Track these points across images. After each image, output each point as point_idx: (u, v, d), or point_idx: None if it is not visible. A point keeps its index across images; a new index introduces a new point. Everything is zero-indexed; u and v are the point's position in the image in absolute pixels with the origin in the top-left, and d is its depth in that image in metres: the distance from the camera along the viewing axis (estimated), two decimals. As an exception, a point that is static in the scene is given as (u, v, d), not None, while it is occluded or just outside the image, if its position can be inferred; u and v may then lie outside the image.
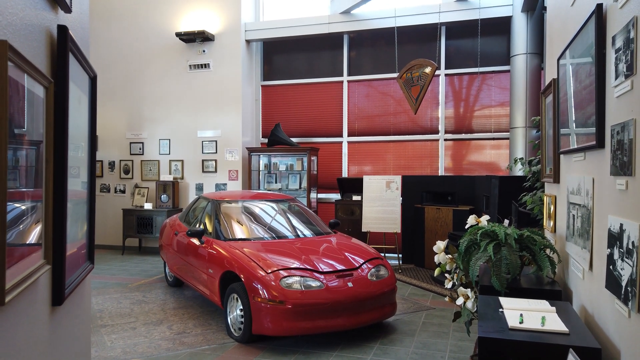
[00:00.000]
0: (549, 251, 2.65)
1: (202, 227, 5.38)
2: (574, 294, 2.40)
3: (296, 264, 4.37)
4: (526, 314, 1.91)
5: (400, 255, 7.81)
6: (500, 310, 2.04)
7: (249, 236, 5.09)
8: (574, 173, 2.35)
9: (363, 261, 4.64)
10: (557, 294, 2.40)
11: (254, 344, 4.26)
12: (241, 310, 4.30)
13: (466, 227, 3.17)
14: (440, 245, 3.21)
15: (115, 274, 7.25)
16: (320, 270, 4.33)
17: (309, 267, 4.34)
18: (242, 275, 4.29)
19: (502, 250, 2.53)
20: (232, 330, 4.43)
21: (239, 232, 5.16)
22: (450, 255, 3.27)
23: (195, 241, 5.21)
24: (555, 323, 1.83)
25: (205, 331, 4.61)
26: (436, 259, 3.20)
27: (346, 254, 4.75)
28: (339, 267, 4.46)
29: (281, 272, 4.22)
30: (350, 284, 4.30)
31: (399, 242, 7.85)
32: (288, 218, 5.58)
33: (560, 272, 2.74)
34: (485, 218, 3.15)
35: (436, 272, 3.21)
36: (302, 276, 4.22)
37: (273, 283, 4.11)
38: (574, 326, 1.82)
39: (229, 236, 5.02)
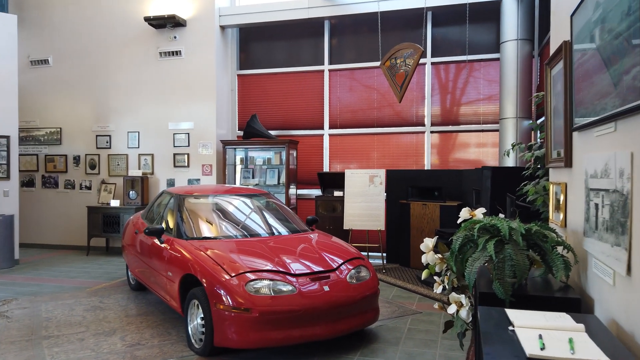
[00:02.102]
0: (561, 249, 2.18)
1: (163, 224, 4.83)
2: (598, 303, 1.92)
3: (267, 266, 3.85)
4: (546, 335, 1.43)
5: (384, 254, 7.34)
6: (511, 329, 1.55)
7: (215, 234, 4.55)
8: (597, 151, 1.87)
9: (342, 261, 4.13)
10: (574, 303, 1.92)
11: (217, 357, 3.73)
12: (202, 318, 3.76)
13: (458, 221, 2.69)
14: (428, 243, 2.72)
15: (75, 276, 6.64)
16: (293, 272, 3.81)
17: (280, 269, 3.82)
18: (203, 280, 3.75)
19: (506, 249, 2.05)
20: (193, 341, 3.89)
21: (205, 230, 4.62)
22: (440, 255, 2.79)
23: (156, 241, 4.65)
24: (588, 348, 1.34)
25: (162, 342, 4.06)
26: (424, 259, 2.71)
27: (323, 253, 4.24)
28: (315, 268, 3.95)
29: (248, 275, 3.69)
30: (326, 288, 3.79)
31: (383, 241, 7.38)
32: (262, 214, 5.05)
33: (574, 275, 2.27)
34: (480, 211, 2.66)
35: (424, 274, 2.72)
36: (272, 279, 3.70)
37: (238, 288, 3.59)
38: (615, 352, 1.34)
39: (193, 235, 4.48)
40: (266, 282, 3.67)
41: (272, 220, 5.00)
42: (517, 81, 6.91)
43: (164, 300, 4.55)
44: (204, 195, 5.10)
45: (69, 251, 8.65)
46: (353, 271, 4.09)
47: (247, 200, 5.20)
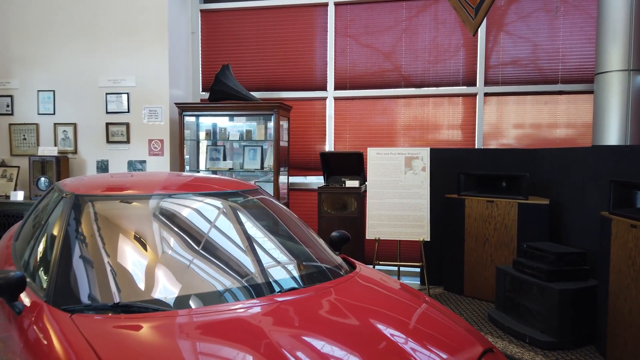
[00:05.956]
0: None
1: (29, 267, 2.25)
2: None
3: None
4: None
5: (420, 270, 4.96)
6: None
7: (144, 297, 1.96)
8: None
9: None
10: None
11: None
12: None
13: None
14: None
15: None
16: None
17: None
18: None
19: None
20: None
21: (121, 286, 2.04)
22: None
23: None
24: None
25: None
26: None
27: (402, 339, 1.78)
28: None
29: None
30: None
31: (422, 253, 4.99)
32: (249, 239, 2.51)
33: None
34: None
35: None
36: None
37: None
38: None
39: (96, 297, 1.91)
40: None
41: (272, 251, 2.47)
42: (632, 14, 4.55)
43: None
44: (131, 196, 2.51)
45: (-48, 266, 5.90)
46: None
47: (221, 205, 2.64)
